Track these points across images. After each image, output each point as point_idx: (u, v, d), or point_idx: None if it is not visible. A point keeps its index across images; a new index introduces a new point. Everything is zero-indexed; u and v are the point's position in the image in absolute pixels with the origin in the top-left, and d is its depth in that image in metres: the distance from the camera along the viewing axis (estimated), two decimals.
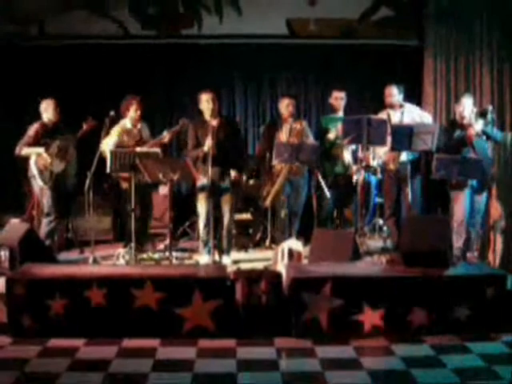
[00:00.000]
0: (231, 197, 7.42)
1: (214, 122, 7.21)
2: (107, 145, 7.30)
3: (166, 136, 7.50)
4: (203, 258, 7.36)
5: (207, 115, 7.27)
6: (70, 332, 5.32)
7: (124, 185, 7.45)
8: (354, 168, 7.84)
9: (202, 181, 7.16)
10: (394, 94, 7.71)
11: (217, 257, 7.27)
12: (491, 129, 7.23)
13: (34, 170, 7.52)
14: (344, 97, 8.24)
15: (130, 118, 7.65)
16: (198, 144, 7.26)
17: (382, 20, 9.63)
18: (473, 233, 7.36)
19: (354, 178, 7.81)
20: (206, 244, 7.37)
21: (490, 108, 7.39)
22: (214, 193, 7.18)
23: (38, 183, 7.56)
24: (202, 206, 7.35)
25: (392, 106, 7.72)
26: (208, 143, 6.98)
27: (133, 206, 7.13)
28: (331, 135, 8.03)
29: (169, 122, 9.71)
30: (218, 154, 7.07)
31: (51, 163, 7.53)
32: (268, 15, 9.63)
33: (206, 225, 7.31)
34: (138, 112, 7.64)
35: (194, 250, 7.77)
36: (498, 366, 4.72)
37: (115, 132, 7.53)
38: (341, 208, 8.09)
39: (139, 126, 7.76)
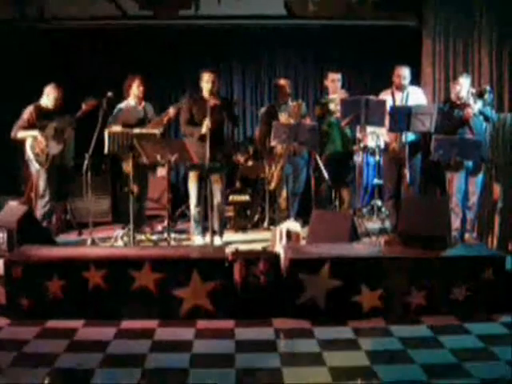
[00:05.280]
0: (222, 176, 7.39)
1: (211, 102, 7.17)
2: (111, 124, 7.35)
3: (170, 112, 7.48)
4: (197, 239, 7.38)
5: (205, 94, 7.25)
6: (69, 313, 5.32)
7: (126, 166, 7.40)
8: (354, 148, 7.85)
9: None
10: (406, 75, 7.63)
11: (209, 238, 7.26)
12: (490, 110, 7.22)
13: (29, 153, 7.50)
14: (340, 78, 8.18)
15: (134, 95, 7.68)
16: (192, 119, 7.28)
17: (380, 1, 9.56)
18: (468, 214, 7.37)
19: (354, 158, 7.85)
20: (197, 225, 7.40)
21: (488, 88, 7.37)
22: (206, 172, 7.14)
23: (34, 166, 7.55)
24: (192, 186, 7.36)
25: (400, 88, 7.66)
26: (207, 123, 6.97)
27: (132, 187, 7.13)
28: (332, 106, 7.98)
29: (167, 102, 9.70)
30: (212, 133, 7.04)
31: (47, 145, 7.50)
32: None
33: (197, 205, 7.33)
34: (141, 88, 7.67)
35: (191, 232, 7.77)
36: (496, 346, 4.73)
37: (118, 110, 7.52)
38: (339, 189, 8.08)
39: (143, 104, 7.76)
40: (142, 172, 7.59)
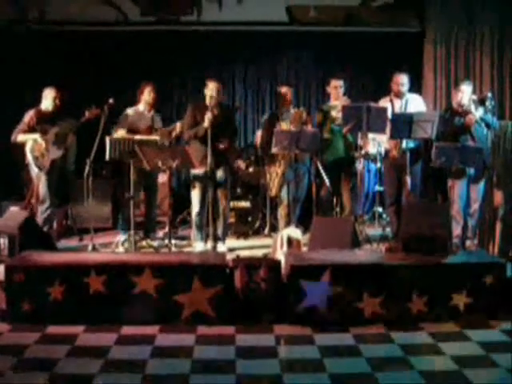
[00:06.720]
0: (226, 188, 7.45)
1: (215, 110, 7.16)
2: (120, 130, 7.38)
3: (177, 127, 7.54)
4: (198, 246, 7.39)
5: (209, 102, 7.27)
6: (69, 319, 5.31)
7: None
8: (356, 155, 7.86)
9: (198, 169, 7.14)
10: (404, 82, 7.64)
11: (210, 245, 7.29)
12: (491, 117, 7.22)
13: (29, 156, 7.51)
14: (342, 85, 8.18)
15: (145, 101, 7.71)
16: (195, 125, 7.26)
17: (382, 6, 9.58)
18: (469, 222, 7.37)
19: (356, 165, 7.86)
20: (199, 231, 7.40)
21: (489, 95, 7.37)
22: (210, 181, 7.15)
23: (33, 170, 7.56)
24: (196, 194, 7.37)
25: (399, 95, 7.66)
26: (208, 116, 6.98)
27: (132, 194, 7.13)
28: (334, 113, 7.99)
29: (169, 108, 9.72)
30: (213, 139, 7.04)
31: (47, 149, 7.50)
32: (268, 2, 9.60)
33: (200, 213, 7.33)
34: (152, 95, 7.69)
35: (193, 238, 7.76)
36: (496, 353, 4.71)
37: (128, 114, 7.54)
38: (340, 196, 8.08)
39: (152, 112, 7.77)
40: (149, 178, 7.62)
